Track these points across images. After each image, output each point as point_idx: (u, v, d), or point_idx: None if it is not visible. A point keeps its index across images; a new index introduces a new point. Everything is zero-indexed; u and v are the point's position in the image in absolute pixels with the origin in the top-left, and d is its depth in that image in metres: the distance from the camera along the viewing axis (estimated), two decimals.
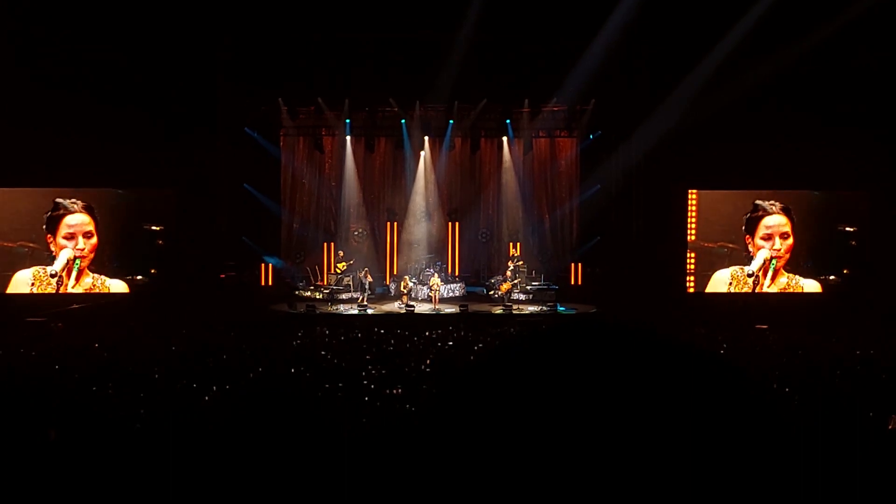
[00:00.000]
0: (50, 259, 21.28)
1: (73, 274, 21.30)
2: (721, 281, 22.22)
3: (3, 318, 17.62)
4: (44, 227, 21.33)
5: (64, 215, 21.33)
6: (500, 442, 0.91)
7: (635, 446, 0.87)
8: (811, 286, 22.19)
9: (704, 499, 0.85)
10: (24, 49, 19.37)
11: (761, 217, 22.14)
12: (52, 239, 21.33)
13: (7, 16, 18.80)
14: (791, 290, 22.13)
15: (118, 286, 21.62)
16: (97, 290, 21.38)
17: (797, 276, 22.17)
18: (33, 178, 20.97)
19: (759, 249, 22.11)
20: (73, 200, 21.39)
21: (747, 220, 22.20)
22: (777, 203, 22.10)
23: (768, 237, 22.07)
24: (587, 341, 1.02)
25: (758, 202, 22.15)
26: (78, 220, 21.41)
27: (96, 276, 21.52)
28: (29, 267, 21.26)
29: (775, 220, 22.12)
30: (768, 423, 0.93)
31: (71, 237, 21.32)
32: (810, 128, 20.06)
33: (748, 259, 22.20)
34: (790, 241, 22.08)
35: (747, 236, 22.21)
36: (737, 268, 22.22)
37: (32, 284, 21.20)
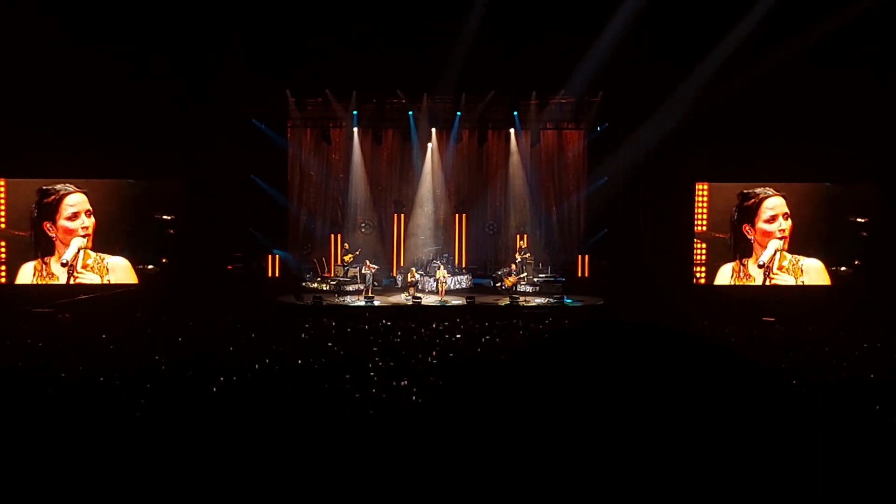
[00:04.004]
0: (50, 249, 21.33)
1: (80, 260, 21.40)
2: (724, 275, 22.20)
3: (11, 309, 17.68)
4: (34, 215, 21.31)
5: (63, 196, 21.36)
6: (523, 437, 0.91)
7: (653, 439, 0.87)
8: (812, 265, 22.09)
9: (718, 487, 0.86)
10: (32, 45, 19.41)
11: (761, 201, 22.07)
12: (50, 225, 21.33)
13: (12, 12, 18.84)
14: (793, 272, 22.02)
15: (118, 263, 21.61)
16: (97, 270, 21.42)
17: (799, 256, 22.11)
18: (41, 170, 21.04)
19: (765, 237, 22.02)
20: (64, 185, 21.41)
21: (742, 209, 22.10)
22: (769, 188, 22.05)
23: (772, 219, 21.98)
24: (607, 342, 1.02)
25: (746, 191, 22.09)
26: (78, 198, 21.44)
27: (96, 254, 21.59)
28: (38, 256, 21.35)
29: (776, 202, 22.06)
30: (780, 416, 0.93)
31: (75, 216, 21.33)
32: (819, 119, 19.99)
33: (748, 249, 22.12)
34: (789, 222, 22.02)
35: (745, 225, 22.10)
36: (736, 262, 22.17)
37: (34, 275, 21.31)
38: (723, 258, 22.24)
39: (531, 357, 1.06)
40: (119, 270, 21.66)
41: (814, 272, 22.11)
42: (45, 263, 21.33)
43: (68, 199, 21.39)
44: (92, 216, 21.45)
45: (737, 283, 22.07)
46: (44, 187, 21.35)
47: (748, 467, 0.91)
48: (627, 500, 0.90)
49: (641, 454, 0.90)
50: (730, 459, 0.91)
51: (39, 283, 21.21)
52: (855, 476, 0.99)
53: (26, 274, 21.35)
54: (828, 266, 22.16)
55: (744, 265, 22.15)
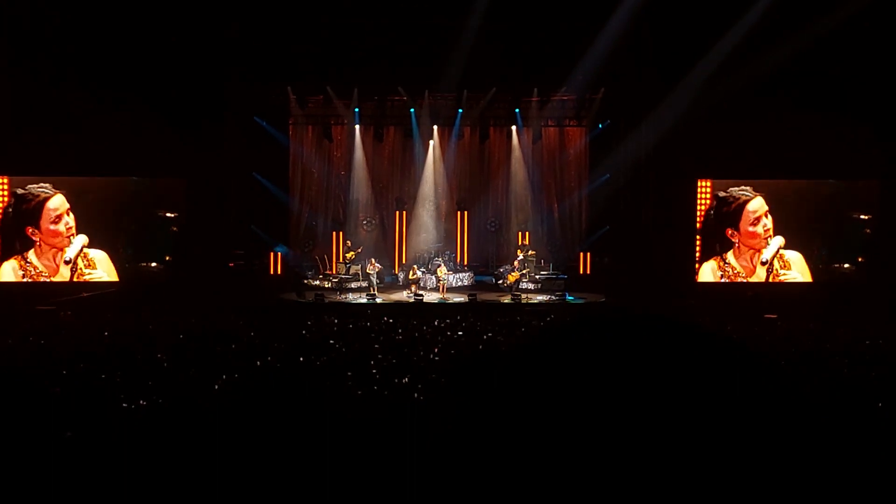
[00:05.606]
0: (27, 246, 21.07)
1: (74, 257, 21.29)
2: (706, 274, 22.15)
3: (12, 307, 17.69)
4: (9, 216, 20.99)
5: (44, 201, 21.07)
6: (527, 430, 0.91)
7: (659, 434, 0.87)
8: (794, 258, 22.05)
9: (721, 484, 0.86)
10: (36, 44, 19.45)
11: (743, 205, 22.03)
12: (33, 230, 21.00)
13: (16, 9, 18.87)
14: (780, 265, 22.00)
15: (98, 256, 21.39)
16: (83, 261, 21.29)
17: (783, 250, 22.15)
18: (44, 169, 21.01)
19: (752, 238, 21.96)
20: (41, 186, 21.09)
21: (722, 213, 22.02)
22: (746, 188, 22.03)
23: (757, 220, 21.96)
24: (614, 331, 1.02)
25: (721, 194, 22.03)
26: (59, 201, 21.13)
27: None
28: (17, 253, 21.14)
29: (757, 203, 22.02)
30: (783, 412, 0.93)
31: (59, 219, 21.06)
32: (821, 116, 19.95)
33: (726, 246, 22.09)
34: (770, 218, 21.99)
35: (728, 229, 22.02)
36: (717, 259, 22.13)
37: (24, 275, 21.05)
38: (710, 254, 22.24)
39: (535, 349, 1.06)
40: (100, 263, 21.43)
41: (795, 264, 22.08)
42: (27, 261, 21.03)
43: (50, 204, 21.05)
44: (71, 213, 21.22)
45: (728, 281, 22.03)
46: (18, 191, 20.97)
47: (749, 463, 0.91)
48: (634, 492, 0.90)
49: (646, 449, 0.90)
50: (732, 454, 0.91)
51: (28, 280, 20.95)
52: (856, 473, 0.99)
53: (7, 272, 20.99)
54: (810, 260, 22.13)
55: (726, 262, 22.07)
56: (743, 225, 22.01)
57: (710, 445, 0.88)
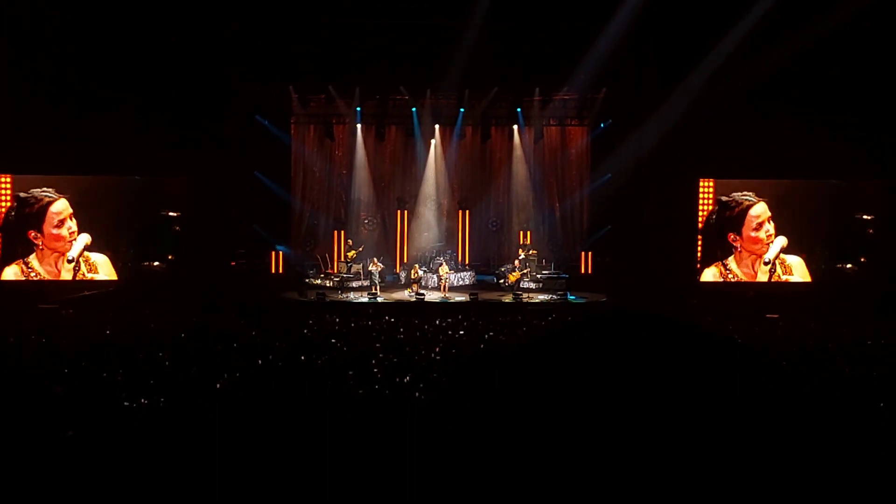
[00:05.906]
0: (29, 250, 20.97)
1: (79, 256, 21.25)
2: (709, 278, 22.08)
3: (15, 305, 17.70)
4: (12, 220, 20.93)
5: (47, 205, 20.99)
6: (530, 431, 0.91)
7: (668, 435, 0.87)
8: (797, 263, 21.99)
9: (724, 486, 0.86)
10: (36, 44, 19.47)
11: (746, 210, 21.96)
12: (35, 234, 20.93)
13: (16, 9, 18.90)
14: (782, 270, 21.96)
15: (99, 260, 21.34)
16: (85, 265, 21.23)
17: (783, 255, 22.10)
18: (47, 167, 20.99)
19: (754, 243, 21.89)
20: (43, 190, 21.00)
21: (725, 218, 21.93)
22: (748, 192, 21.98)
23: (759, 226, 21.89)
24: (615, 331, 1.02)
25: (724, 198, 21.94)
26: (62, 205, 21.05)
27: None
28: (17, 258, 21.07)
29: (760, 209, 21.93)
30: (784, 412, 0.94)
31: (61, 223, 20.99)
32: (822, 116, 19.94)
33: (727, 251, 22.02)
34: (772, 224, 21.92)
35: (730, 234, 21.92)
36: (718, 265, 22.06)
37: (26, 280, 20.93)
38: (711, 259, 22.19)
39: (537, 349, 1.06)
40: (101, 266, 21.40)
41: (796, 269, 22.03)
42: (28, 266, 20.94)
43: (53, 208, 20.98)
44: (73, 218, 21.16)
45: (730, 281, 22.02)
46: (21, 195, 20.91)
47: (750, 463, 0.91)
48: (635, 493, 0.90)
49: (647, 449, 0.90)
50: (733, 454, 0.91)
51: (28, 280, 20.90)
52: (856, 473, 1.00)
53: (8, 277, 20.92)
54: (811, 261, 22.06)
55: (728, 268, 21.98)
56: (745, 230, 21.93)
57: (711, 446, 0.89)
